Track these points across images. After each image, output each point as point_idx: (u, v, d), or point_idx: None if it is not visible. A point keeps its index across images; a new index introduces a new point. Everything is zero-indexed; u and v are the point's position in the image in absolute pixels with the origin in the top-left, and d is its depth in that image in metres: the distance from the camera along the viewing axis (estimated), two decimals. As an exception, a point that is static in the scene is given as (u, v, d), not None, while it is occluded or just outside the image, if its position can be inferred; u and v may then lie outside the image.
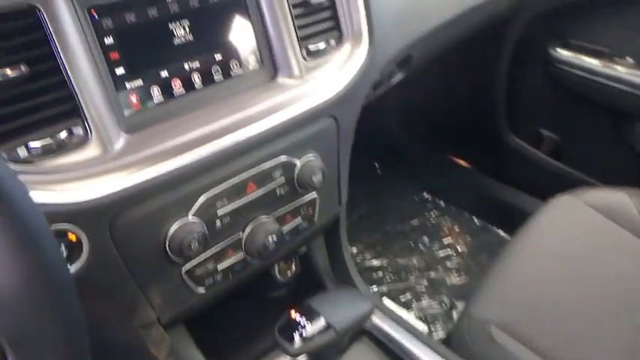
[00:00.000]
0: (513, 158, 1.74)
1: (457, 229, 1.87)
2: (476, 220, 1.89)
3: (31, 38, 0.60)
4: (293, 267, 1.09)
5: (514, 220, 1.18)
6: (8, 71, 0.58)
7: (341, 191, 0.96)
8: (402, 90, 1.83)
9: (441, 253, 1.79)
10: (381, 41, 0.92)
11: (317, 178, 0.83)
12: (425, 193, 2.02)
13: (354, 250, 1.80)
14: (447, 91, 1.89)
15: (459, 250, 1.79)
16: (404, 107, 2.03)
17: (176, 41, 0.73)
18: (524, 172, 1.73)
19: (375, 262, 1.77)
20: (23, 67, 0.59)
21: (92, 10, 0.65)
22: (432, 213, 1.95)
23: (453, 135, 1.91)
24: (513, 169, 1.78)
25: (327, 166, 0.85)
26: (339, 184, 0.95)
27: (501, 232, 1.82)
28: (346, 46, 0.89)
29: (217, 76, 0.77)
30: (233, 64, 0.79)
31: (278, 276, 1.07)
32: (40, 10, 0.60)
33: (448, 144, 1.97)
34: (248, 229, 0.79)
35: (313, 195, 0.88)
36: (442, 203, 1.97)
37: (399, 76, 1.18)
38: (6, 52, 0.59)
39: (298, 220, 0.87)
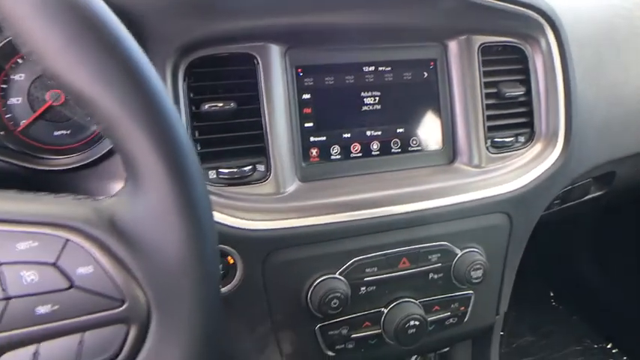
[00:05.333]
0: None
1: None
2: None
3: (244, 81, 0.69)
4: (431, 367, 0.99)
5: None
6: (220, 104, 0.67)
7: (501, 298, 0.86)
8: (601, 221, 1.63)
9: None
10: (580, 149, 0.85)
11: (476, 274, 0.76)
12: (610, 345, 1.69)
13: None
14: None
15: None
16: (602, 241, 1.78)
17: (364, 109, 0.77)
18: None
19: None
20: (232, 103, 0.68)
21: (298, 69, 0.73)
22: (611, 370, 1.62)
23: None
24: None
25: (490, 264, 0.78)
26: (500, 289, 0.85)
27: None
28: (536, 146, 0.84)
29: (395, 149, 0.79)
30: (413, 140, 0.80)
31: (412, 372, 0.98)
32: (256, 59, 0.69)
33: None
34: (391, 306, 0.75)
35: (469, 292, 0.81)
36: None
37: (596, 193, 1.06)
38: (222, 88, 0.69)
39: (446, 313, 0.80)
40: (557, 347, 1.71)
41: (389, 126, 0.78)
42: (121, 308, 0.35)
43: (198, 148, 0.68)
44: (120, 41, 0.34)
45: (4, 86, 0.65)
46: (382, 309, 0.75)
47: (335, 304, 0.69)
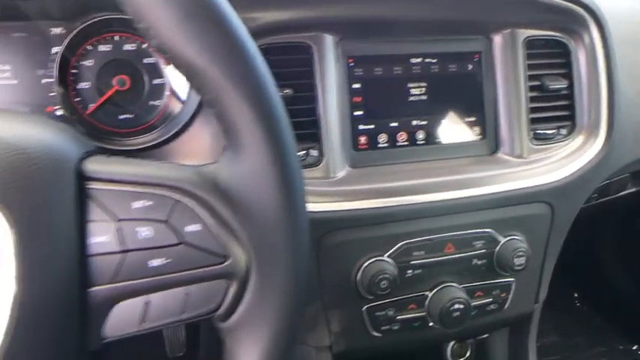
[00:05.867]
0: None
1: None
2: None
3: (300, 69, 0.72)
4: (467, 354, 1.01)
5: None
6: (276, 91, 0.70)
7: (540, 287, 0.88)
8: (627, 223, 1.63)
9: None
10: (619, 143, 0.86)
11: (519, 261, 0.78)
12: (635, 347, 1.68)
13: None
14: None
15: None
16: (628, 243, 1.77)
17: (410, 99, 0.80)
18: None
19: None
20: (289, 90, 0.71)
21: (349, 59, 0.76)
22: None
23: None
24: None
25: (532, 252, 0.80)
26: (540, 278, 0.87)
27: None
28: (578, 138, 0.86)
29: (440, 138, 0.81)
30: (457, 130, 0.82)
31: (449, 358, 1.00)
32: (312, 48, 0.72)
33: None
34: (435, 290, 0.78)
35: (510, 280, 0.83)
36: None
37: (632, 189, 1.07)
38: (280, 76, 0.71)
39: (488, 299, 0.82)
40: (582, 348, 1.70)
41: (434, 116, 0.81)
42: (223, 264, 0.38)
43: None
44: (229, 18, 0.37)
45: (75, 71, 0.69)
46: (427, 292, 0.78)
47: (384, 285, 0.71)
